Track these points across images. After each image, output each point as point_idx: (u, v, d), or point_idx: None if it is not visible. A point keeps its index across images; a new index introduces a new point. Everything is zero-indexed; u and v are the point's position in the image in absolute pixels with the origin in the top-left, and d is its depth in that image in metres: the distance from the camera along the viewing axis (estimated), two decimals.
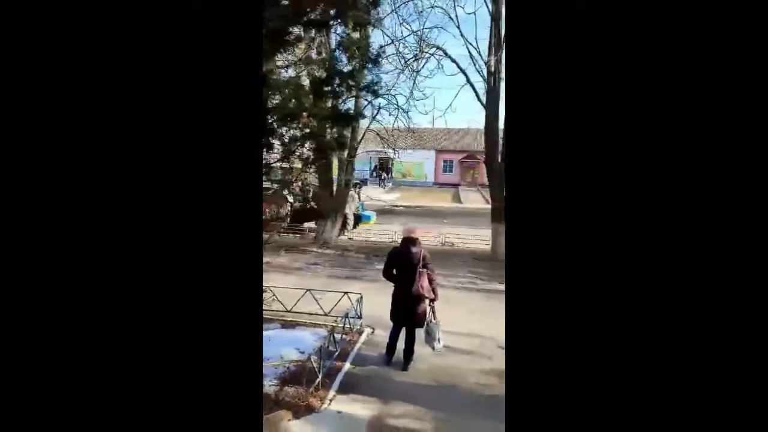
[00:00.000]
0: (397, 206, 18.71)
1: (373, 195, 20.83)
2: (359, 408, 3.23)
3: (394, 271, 3.94)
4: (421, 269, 3.82)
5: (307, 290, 5.03)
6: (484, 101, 8.21)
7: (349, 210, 11.04)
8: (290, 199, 10.75)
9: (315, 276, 7.16)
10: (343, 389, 3.50)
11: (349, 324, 4.60)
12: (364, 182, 24.76)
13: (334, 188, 9.46)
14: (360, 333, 4.67)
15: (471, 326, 4.97)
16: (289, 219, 10.98)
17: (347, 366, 3.89)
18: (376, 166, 28.65)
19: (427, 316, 3.91)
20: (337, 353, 4.01)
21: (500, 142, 8.46)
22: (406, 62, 7.78)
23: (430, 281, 3.89)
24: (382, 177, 27.59)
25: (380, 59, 4.56)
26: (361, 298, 4.89)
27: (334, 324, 4.34)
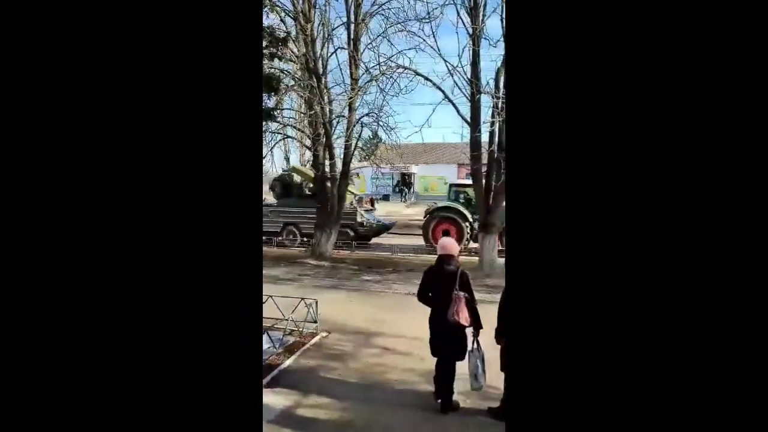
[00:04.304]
0: (414, 220, 18.99)
1: (395, 209, 21.26)
2: (277, 399, 3.56)
3: (430, 294, 3.42)
4: (457, 292, 3.23)
5: (269, 296, 5.44)
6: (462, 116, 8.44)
7: None
8: (469, 217, 10.55)
9: (301, 286, 7.59)
10: (273, 383, 3.85)
11: (297, 327, 4.96)
12: (386, 198, 25.31)
13: (329, 203, 9.92)
14: (314, 336, 5.01)
15: (421, 331, 5.19)
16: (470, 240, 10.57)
17: (286, 363, 4.25)
18: (398, 182, 29.08)
19: (469, 346, 3.30)
20: (274, 352, 4.39)
21: (484, 154, 8.64)
22: (370, 80, 8.21)
23: (469, 306, 3.27)
24: (404, 192, 27.96)
25: (280, 90, 4.92)
26: (316, 303, 5.23)
27: (268, 326, 4.69)
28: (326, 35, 9.07)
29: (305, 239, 11.16)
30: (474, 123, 8.47)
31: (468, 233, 10.69)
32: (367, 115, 9.26)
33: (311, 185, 11.68)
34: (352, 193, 12.48)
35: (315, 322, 5.16)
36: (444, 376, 3.37)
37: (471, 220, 10.66)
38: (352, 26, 8.87)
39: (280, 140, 11.14)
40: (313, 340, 4.89)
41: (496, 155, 8.43)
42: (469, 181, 10.77)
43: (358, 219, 11.34)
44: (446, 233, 10.79)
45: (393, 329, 5.23)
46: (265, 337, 4.35)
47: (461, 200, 11.41)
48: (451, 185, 12.35)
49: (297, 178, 12.42)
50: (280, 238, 11.54)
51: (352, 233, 11.22)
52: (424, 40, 8.01)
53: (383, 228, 12.00)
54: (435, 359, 3.46)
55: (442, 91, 8.20)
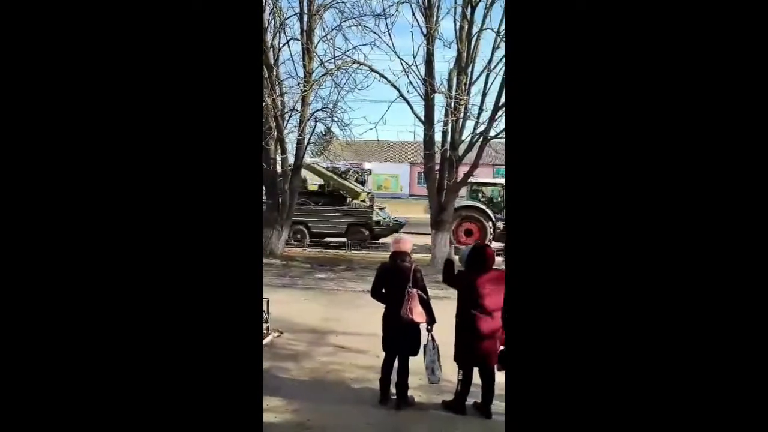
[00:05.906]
0: None
1: None
2: None
3: (384, 291, 3.43)
4: (410, 289, 3.25)
5: None
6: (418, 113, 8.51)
7: None
8: (492, 216, 10.14)
9: None
10: None
11: None
12: None
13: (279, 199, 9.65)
14: (265, 336, 4.83)
15: (376, 328, 5.18)
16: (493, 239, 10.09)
17: None
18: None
19: (424, 341, 3.37)
20: None
21: (437, 152, 8.76)
22: (325, 74, 8.10)
23: (423, 302, 3.33)
24: None
25: None
26: (268, 302, 5.06)
27: None
28: (278, 24, 8.78)
29: (314, 240, 10.58)
30: (428, 122, 8.56)
31: (491, 232, 10.44)
32: (321, 109, 9.09)
33: (322, 183, 11.10)
34: (366, 191, 11.82)
35: (266, 321, 4.97)
36: (398, 373, 3.40)
37: (494, 219, 10.48)
38: (306, 17, 8.65)
39: None
40: (265, 341, 4.71)
41: (448, 154, 8.58)
42: (489, 180, 10.45)
43: (374, 218, 10.68)
44: (469, 232, 10.63)
45: (347, 327, 5.18)
46: None
47: (481, 199, 11.11)
48: (471, 184, 11.24)
49: (306, 175, 11.43)
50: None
51: (366, 232, 10.63)
52: (379, 36, 7.97)
53: (398, 227, 11.36)
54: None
55: (397, 89, 8.22)
